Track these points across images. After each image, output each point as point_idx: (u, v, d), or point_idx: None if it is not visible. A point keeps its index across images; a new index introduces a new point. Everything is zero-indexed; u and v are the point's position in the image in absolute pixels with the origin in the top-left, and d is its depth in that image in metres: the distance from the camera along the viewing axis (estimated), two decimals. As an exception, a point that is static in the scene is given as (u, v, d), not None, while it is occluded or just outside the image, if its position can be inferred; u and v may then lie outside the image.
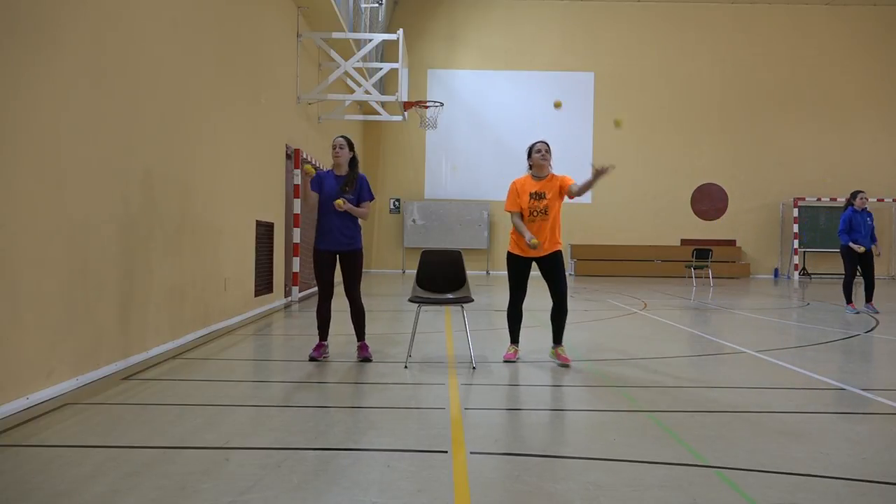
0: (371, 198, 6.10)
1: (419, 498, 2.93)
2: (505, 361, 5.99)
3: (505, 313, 6.19)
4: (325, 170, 6.40)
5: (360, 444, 3.69)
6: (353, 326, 6.11)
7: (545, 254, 5.89)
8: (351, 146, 6.11)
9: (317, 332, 6.06)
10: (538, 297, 6.31)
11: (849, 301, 10.62)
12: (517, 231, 5.91)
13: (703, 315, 10.67)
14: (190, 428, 3.95)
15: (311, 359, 5.98)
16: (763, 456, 3.50)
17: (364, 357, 5.99)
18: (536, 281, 6.05)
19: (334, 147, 6.04)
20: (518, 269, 6.00)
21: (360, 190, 6.03)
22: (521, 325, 6.17)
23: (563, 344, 5.99)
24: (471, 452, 3.51)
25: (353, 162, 6.08)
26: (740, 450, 3.61)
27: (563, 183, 5.87)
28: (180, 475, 3.16)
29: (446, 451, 3.53)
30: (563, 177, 5.93)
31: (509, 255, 6.04)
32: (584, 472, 3.26)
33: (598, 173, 5.56)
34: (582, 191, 5.79)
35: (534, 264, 5.99)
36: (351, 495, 2.95)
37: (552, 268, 5.92)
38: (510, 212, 6.01)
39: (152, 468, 3.27)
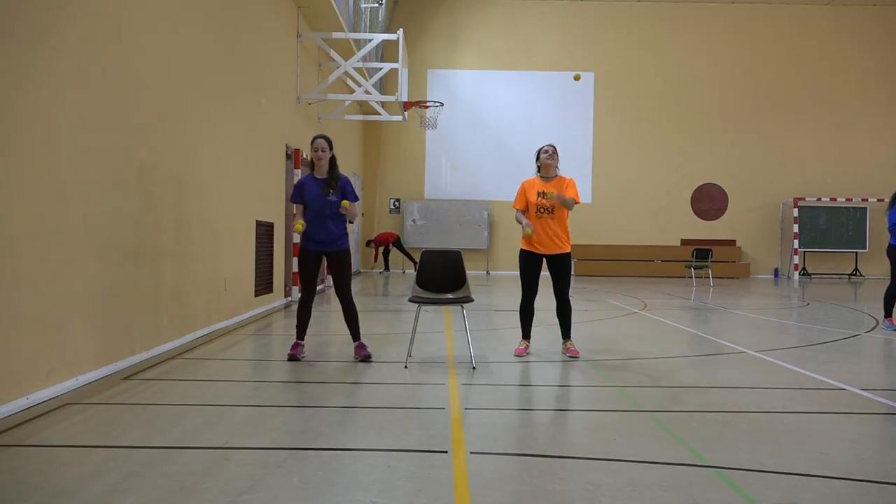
0: (356, 199, 6.03)
1: (419, 498, 2.93)
2: (516, 356, 6.20)
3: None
4: (303, 175, 6.20)
5: (360, 444, 3.69)
6: (347, 327, 6.10)
7: (554, 253, 6.15)
8: (331, 146, 6.09)
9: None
10: (540, 295, 6.31)
11: (888, 314, 8.46)
12: (517, 222, 6.20)
13: (703, 315, 10.67)
14: (190, 428, 3.95)
15: (291, 357, 5.94)
16: (763, 456, 3.49)
17: (363, 356, 5.97)
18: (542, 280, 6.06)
19: (316, 150, 6.00)
20: (529, 266, 6.20)
21: (343, 192, 5.97)
22: (533, 323, 6.42)
23: (571, 338, 6.32)
24: (471, 452, 3.51)
25: (332, 161, 6.05)
26: (740, 450, 3.60)
27: (568, 185, 6.16)
28: (180, 475, 3.15)
29: (446, 451, 3.52)
30: (569, 180, 6.23)
31: (521, 251, 6.25)
32: (584, 472, 3.25)
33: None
34: (563, 203, 6.02)
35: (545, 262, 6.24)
36: (351, 495, 2.95)
37: (559, 268, 6.21)
38: (516, 209, 6.31)
39: (152, 468, 3.27)
